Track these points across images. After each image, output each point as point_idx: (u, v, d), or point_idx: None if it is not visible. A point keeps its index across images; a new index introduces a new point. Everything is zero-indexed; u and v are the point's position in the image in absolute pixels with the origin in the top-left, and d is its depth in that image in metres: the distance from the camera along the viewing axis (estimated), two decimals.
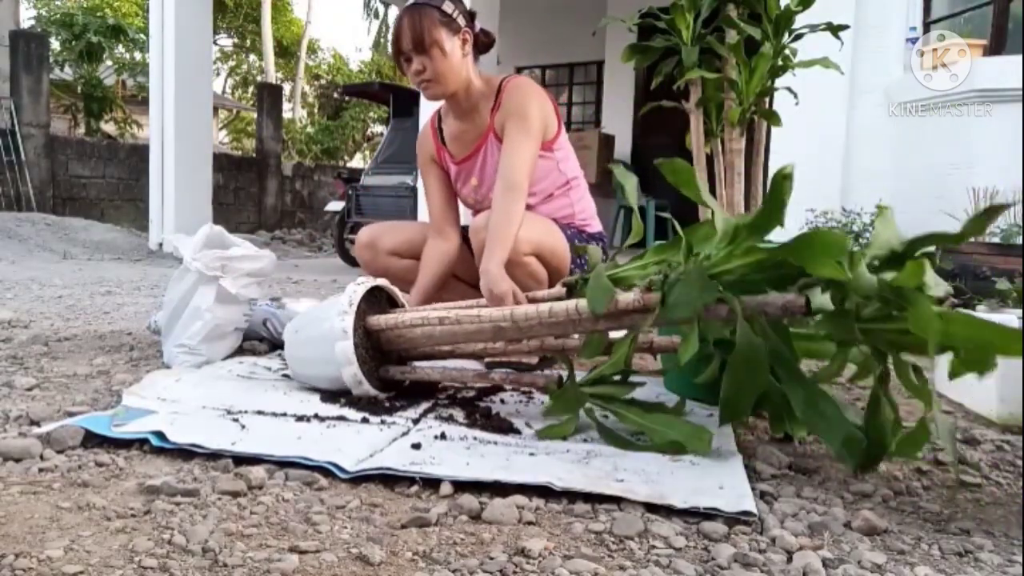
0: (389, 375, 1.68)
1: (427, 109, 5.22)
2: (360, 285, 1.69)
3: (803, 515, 1.10)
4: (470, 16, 2.02)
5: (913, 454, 1.22)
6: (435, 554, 0.94)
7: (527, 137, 1.95)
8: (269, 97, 11.52)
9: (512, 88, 2.02)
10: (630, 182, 1.59)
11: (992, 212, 1.03)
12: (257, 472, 1.17)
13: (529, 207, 2.10)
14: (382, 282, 1.77)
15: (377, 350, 1.71)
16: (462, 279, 2.23)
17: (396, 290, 1.81)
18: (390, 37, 2.02)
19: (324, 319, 1.65)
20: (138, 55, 12.79)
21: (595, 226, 2.18)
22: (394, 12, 19.67)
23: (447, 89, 2.00)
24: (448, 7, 1.96)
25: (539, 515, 1.08)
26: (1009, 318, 1.86)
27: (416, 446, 1.32)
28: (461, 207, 2.25)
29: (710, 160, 2.38)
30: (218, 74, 20.87)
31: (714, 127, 2.36)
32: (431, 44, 1.92)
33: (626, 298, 1.38)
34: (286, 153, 13.34)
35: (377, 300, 1.77)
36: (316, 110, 19.75)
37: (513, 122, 1.97)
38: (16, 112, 8.37)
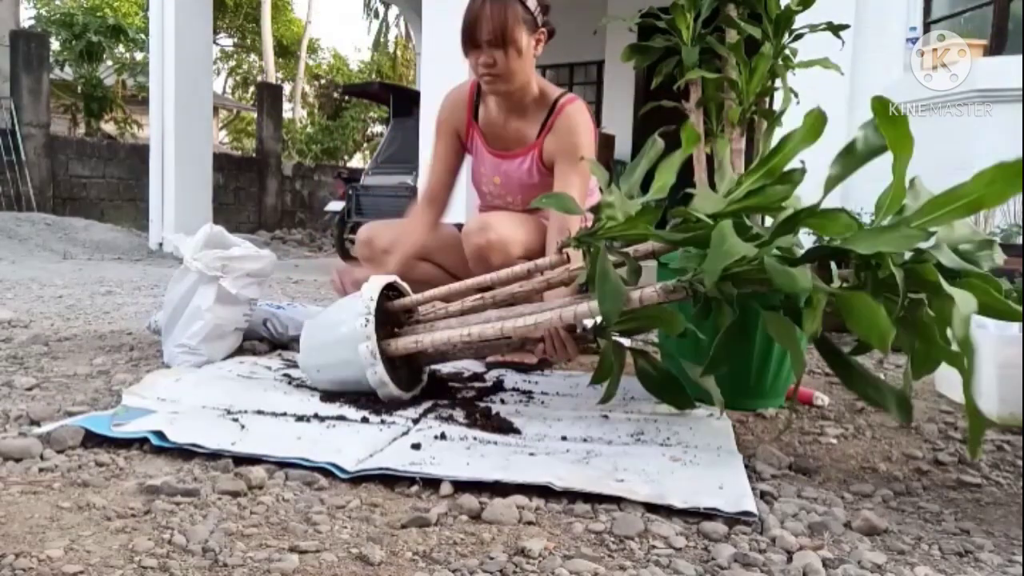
0: (394, 350, 1.64)
1: (427, 109, 5.21)
2: (375, 283, 1.66)
3: (803, 515, 1.10)
4: (545, 10, 1.98)
5: None
6: (435, 554, 0.94)
7: (579, 177, 1.96)
8: (269, 97, 11.53)
9: (568, 118, 2.00)
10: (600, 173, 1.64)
11: None
12: (257, 472, 1.17)
13: (533, 211, 2.11)
14: (392, 278, 1.75)
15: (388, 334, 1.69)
16: (449, 270, 2.22)
17: (405, 284, 1.79)
18: (464, 20, 1.90)
19: (342, 322, 1.62)
20: (138, 55, 12.79)
21: None
22: (394, 12, 19.73)
23: (512, 86, 1.97)
24: (531, 3, 1.92)
25: (539, 515, 1.08)
26: None
27: (416, 446, 1.32)
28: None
29: (710, 160, 2.38)
30: (218, 74, 20.86)
31: (714, 127, 2.36)
32: (510, 41, 1.88)
33: (648, 295, 1.40)
34: (286, 153, 13.33)
35: (385, 294, 1.75)
36: (316, 110, 19.74)
37: (567, 161, 1.97)
38: (16, 112, 8.37)
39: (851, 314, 1.14)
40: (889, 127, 1.15)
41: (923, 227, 1.14)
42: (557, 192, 1.82)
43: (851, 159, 1.26)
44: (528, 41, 1.92)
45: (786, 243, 1.29)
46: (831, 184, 1.28)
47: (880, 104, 1.15)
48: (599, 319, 2.19)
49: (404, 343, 1.62)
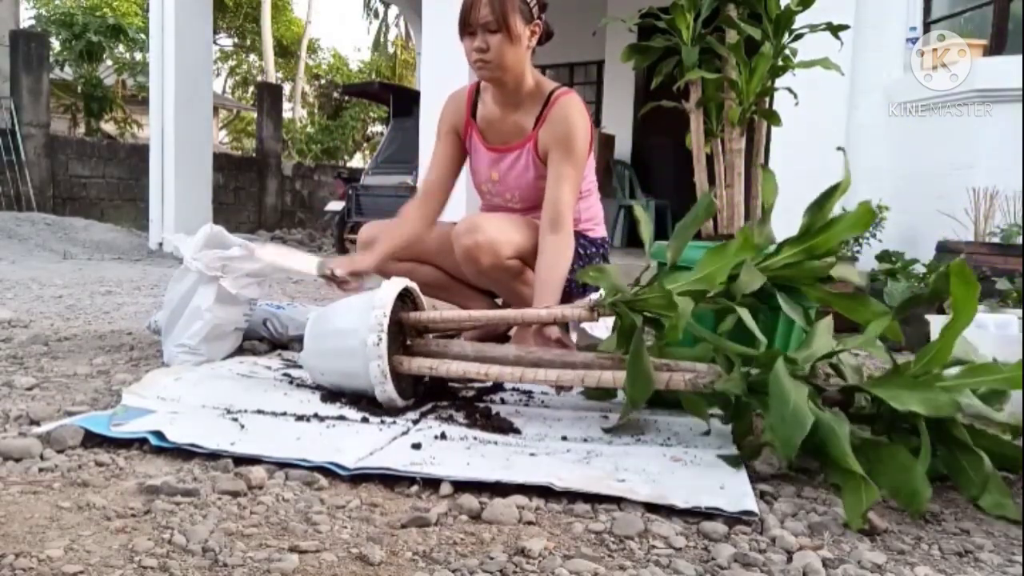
0: (406, 369, 1.62)
1: (427, 109, 5.21)
2: (388, 292, 1.62)
3: (803, 515, 1.10)
4: (542, 7, 1.98)
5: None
6: (435, 554, 0.94)
7: (573, 168, 1.95)
8: (269, 97, 11.51)
9: (562, 108, 1.98)
10: (644, 219, 1.65)
11: None
12: (257, 472, 1.17)
13: (530, 211, 2.10)
14: (406, 282, 1.71)
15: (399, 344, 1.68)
16: (450, 273, 2.19)
17: (416, 287, 1.77)
18: (462, 4, 1.92)
19: (352, 332, 1.57)
20: (138, 55, 12.78)
21: (599, 232, 2.19)
22: (394, 12, 19.73)
23: (503, 75, 1.95)
24: None
25: (539, 515, 1.08)
26: (1009, 318, 1.86)
27: (416, 446, 1.32)
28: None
29: (710, 160, 2.38)
30: (218, 74, 20.85)
31: (714, 127, 2.36)
32: (504, 27, 1.87)
33: (676, 381, 1.41)
34: (286, 153, 13.32)
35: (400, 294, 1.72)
36: (316, 110, 19.74)
37: (561, 152, 1.95)
38: (16, 112, 8.36)
39: (880, 466, 1.16)
40: (962, 289, 1.19)
41: (957, 391, 1.19)
42: (601, 267, 1.72)
43: (918, 301, 1.36)
44: (523, 30, 1.91)
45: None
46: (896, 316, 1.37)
47: (960, 268, 1.18)
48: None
49: (418, 365, 1.61)
